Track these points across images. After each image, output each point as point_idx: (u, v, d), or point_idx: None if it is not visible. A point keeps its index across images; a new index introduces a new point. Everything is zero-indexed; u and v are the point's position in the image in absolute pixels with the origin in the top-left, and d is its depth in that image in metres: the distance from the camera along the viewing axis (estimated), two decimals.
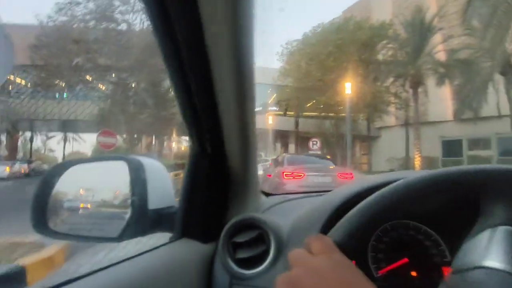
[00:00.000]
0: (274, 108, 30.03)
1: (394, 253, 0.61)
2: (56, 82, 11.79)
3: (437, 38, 15.19)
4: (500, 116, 17.22)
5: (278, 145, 41.79)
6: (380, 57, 17.16)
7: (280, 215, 0.84)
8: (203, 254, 0.75)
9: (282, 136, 33.81)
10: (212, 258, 0.75)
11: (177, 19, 0.49)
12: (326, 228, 0.56)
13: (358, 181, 0.75)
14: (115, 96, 11.24)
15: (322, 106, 18.26)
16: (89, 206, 0.80)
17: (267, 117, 24.86)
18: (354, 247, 0.45)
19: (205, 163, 0.79)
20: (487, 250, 0.35)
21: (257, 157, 0.86)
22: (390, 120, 26.62)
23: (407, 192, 0.47)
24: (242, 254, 0.71)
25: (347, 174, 7.58)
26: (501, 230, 0.38)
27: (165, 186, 0.80)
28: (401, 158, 25.54)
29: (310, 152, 16.53)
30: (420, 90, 17.08)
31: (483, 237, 0.38)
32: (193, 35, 0.50)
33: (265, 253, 0.71)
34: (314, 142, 16.38)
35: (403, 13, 15.86)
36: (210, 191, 0.81)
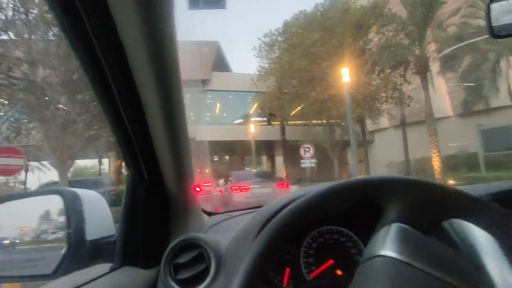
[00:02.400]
0: (258, 118, 27.14)
1: (323, 257, 0.70)
2: None
3: (443, 12, 12.75)
4: None
5: (264, 157, 38.67)
6: (376, 41, 14.47)
7: (221, 233, 0.86)
8: (145, 280, 0.75)
9: (267, 148, 30.73)
10: (155, 283, 0.75)
11: (99, 46, 0.51)
12: None
13: (290, 193, 0.76)
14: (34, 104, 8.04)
15: (313, 107, 15.24)
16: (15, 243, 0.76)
17: (249, 126, 21.90)
18: (271, 257, 0.49)
19: (142, 188, 0.79)
20: (383, 242, 0.44)
21: (194, 178, 0.87)
22: (383, 121, 24.25)
23: (317, 201, 0.52)
24: (184, 275, 0.72)
25: (283, 184, 8.76)
26: (394, 226, 0.46)
27: (103, 216, 0.80)
28: (402, 162, 23.09)
29: (303, 161, 13.56)
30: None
31: (381, 233, 0.47)
32: (116, 59, 0.53)
33: (206, 271, 0.72)
34: (306, 149, 13.44)
35: None
36: (150, 217, 0.81)
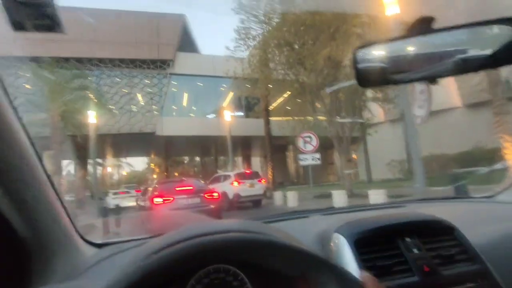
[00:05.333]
0: (232, 113, 22.66)
1: None
2: None
3: None
4: None
5: (239, 159, 34.13)
6: None
7: (106, 271, 0.74)
8: None
9: (244, 146, 26.33)
10: None
11: None
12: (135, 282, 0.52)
13: (181, 229, 0.68)
14: None
15: (319, 78, 10.75)
16: None
17: (222, 117, 17.46)
18: None
19: None
20: None
21: (57, 205, 0.73)
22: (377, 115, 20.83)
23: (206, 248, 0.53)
24: None
25: (212, 193, 8.01)
26: None
27: None
28: (403, 160, 19.74)
29: (303, 156, 9.44)
30: None
31: None
32: None
33: None
34: (307, 139, 9.31)
35: None
36: None
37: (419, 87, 9.33)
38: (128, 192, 14.74)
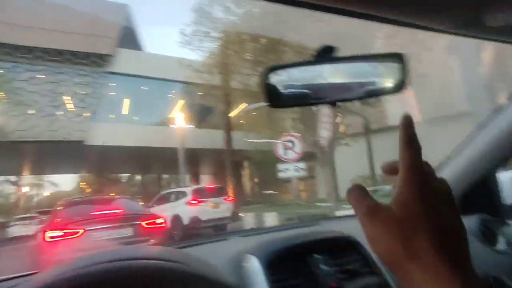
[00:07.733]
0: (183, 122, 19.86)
1: None
2: None
3: None
4: None
5: (186, 176, 30.70)
6: None
7: None
8: None
9: (191, 161, 23.28)
10: None
11: None
12: None
13: (65, 265, 0.61)
14: None
15: None
16: None
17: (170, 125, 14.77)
18: None
19: None
20: None
21: None
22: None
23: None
24: None
25: (154, 220, 5.49)
26: None
27: None
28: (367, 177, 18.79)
29: (283, 166, 7.33)
30: None
31: None
32: None
33: None
34: (289, 144, 7.23)
35: None
36: None
37: (324, 110, 9.51)
38: (38, 218, 11.26)
